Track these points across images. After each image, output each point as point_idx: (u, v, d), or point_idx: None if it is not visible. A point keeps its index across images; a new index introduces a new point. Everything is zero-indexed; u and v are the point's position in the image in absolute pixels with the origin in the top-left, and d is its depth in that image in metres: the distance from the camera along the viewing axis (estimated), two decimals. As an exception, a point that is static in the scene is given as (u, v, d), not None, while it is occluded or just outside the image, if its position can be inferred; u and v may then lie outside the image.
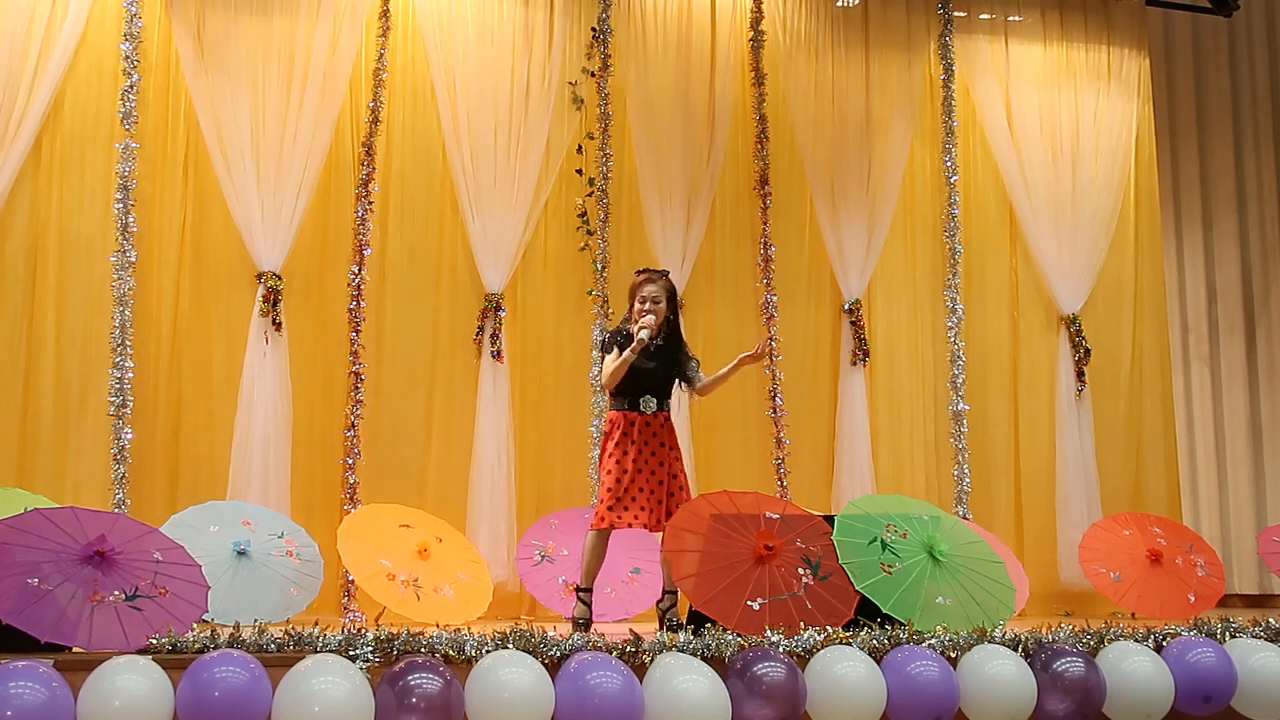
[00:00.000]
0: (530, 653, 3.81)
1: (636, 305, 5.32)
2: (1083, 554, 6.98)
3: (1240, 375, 8.96)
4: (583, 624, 5.16)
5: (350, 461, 6.68)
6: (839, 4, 8.02)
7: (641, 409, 5.26)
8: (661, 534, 5.19)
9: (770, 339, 5.39)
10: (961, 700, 4.10)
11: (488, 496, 6.87)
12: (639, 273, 5.44)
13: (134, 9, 6.54)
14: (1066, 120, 8.30)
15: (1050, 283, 8.16)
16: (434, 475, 6.93)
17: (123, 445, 6.26)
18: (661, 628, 5.19)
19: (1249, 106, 9.19)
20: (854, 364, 7.71)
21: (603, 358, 5.37)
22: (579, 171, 7.36)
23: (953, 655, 4.22)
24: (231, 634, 3.81)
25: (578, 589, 5.30)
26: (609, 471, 5.22)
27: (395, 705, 3.49)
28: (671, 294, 5.39)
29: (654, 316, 5.24)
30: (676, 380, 5.41)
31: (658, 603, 5.49)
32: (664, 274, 5.44)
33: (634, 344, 5.17)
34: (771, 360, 7.50)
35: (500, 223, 7.09)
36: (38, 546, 3.92)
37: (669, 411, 5.37)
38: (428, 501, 6.71)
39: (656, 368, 5.29)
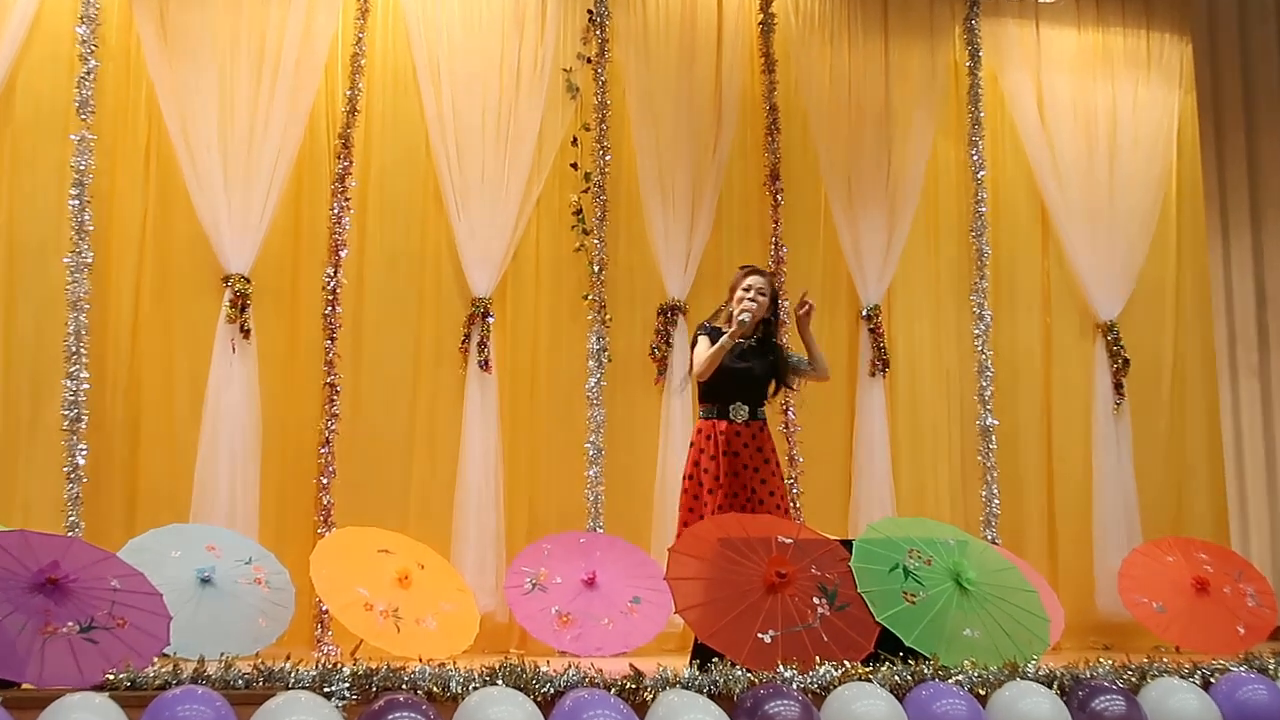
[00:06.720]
0: (521, 689, 3.79)
1: (739, 293, 5.36)
2: (1122, 582, 6.98)
3: (1292, 387, 8.95)
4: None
5: (325, 481, 6.67)
6: (856, -16, 8.06)
7: (731, 417, 5.29)
8: None
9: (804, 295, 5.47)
10: (992, 741, 4.08)
11: (474, 519, 6.87)
12: (743, 267, 5.53)
13: (91, -11, 6.57)
14: (1103, 110, 8.32)
15: (1085, 287, 8.17)
16: (416, 496, 6.94)
17: (77, 463, 6.24)
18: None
19: (1300, 96, 9.20)
20: (872, 375, 7.72)
21: (692, 349, 5.41)
22: (574, 166, 7.37)
23: (982, 692, 4.21)
24: (195, 669, 3.80)
25: None
26: (685, 490, 5.30)
27: (374, 747, 3.47)
28: (775, 295, 5.45)
29: (756, 304, 5.29)
30: (772, 390, 5.42)
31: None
32: (769, 273, 5.57)
33: (732, 328, 5.19)
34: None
35: (488, 221, 7.10)
36: (-16, 573, 3.92)
37: (763, 421, 5.38)
38: (409, 524, 6.71)
39: (750, 368, 5.32)
